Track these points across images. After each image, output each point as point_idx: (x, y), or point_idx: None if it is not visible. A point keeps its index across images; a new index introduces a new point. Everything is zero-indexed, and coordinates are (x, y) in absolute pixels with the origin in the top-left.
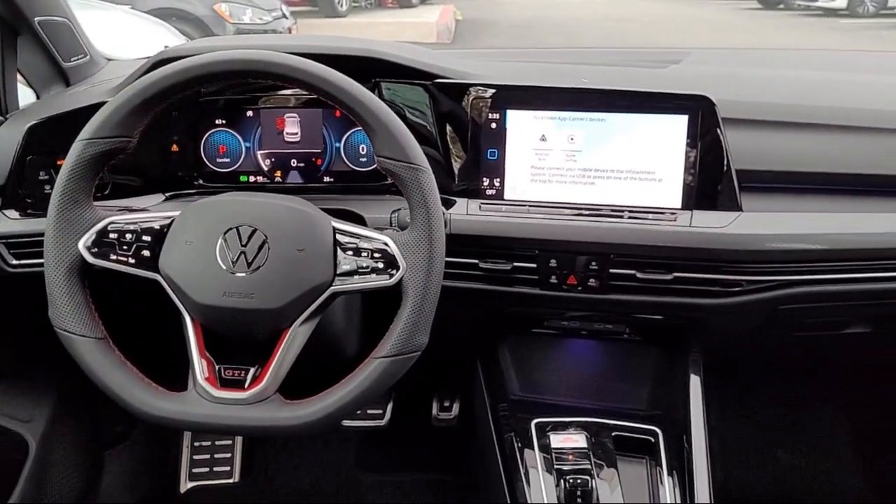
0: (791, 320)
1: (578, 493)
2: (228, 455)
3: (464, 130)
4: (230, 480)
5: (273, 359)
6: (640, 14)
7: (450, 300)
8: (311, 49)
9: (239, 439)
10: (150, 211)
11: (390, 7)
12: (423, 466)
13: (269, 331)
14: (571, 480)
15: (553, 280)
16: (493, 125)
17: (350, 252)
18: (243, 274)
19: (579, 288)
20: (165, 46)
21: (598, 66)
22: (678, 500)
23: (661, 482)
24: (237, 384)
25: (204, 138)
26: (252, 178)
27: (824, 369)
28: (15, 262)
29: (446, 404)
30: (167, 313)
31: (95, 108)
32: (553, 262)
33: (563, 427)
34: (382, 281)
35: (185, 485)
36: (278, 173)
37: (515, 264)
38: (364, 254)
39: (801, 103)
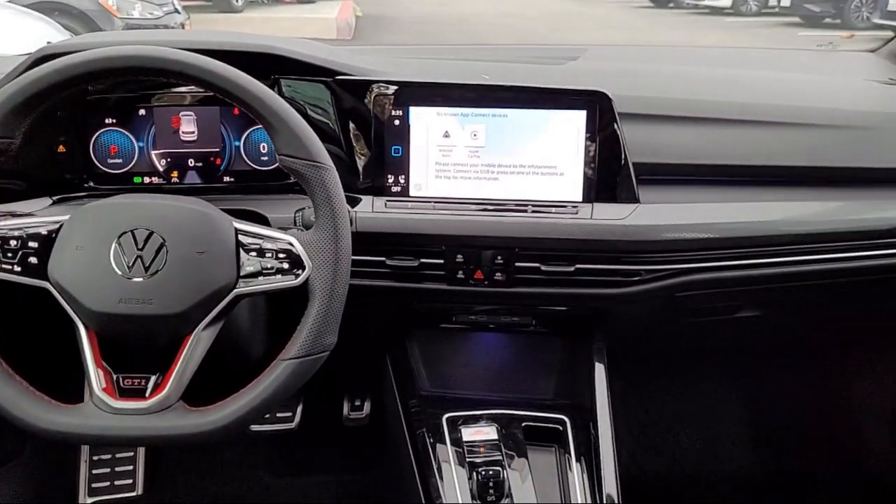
0: (687, 306)
1: (491, 484)
2: (130, 467)
3: (367, 127)
4: (133, 493)
5: (175, 365)
6: (539, 11)
7: (357, 298)
8: (206, 45)
9: (141, 450)
10: (36, 216)
11: (288, 2)
12: (335, 467)
13: (170, 337)
14: (483, 473)
15: (460, 275)
16: (397, 122)
17: (253, 253)
18: (140, 279)
19: (486, 282)
20: (48, 42)
21: (498, 63)
22: (586, 486)
23: (570, 469)
24: (137, 393)
25: (93, 138)
26: (147, 180)
27: (720, 352)
28: None
29: (357, 403)
30: (59, 322)
31: None
32: (460, 258)
33: (473, 420)
34: (288, 281)
35: (85, 500)
36: (175, 174)
37: (422, 260)
38: (268, 254)
39: (693, 98)
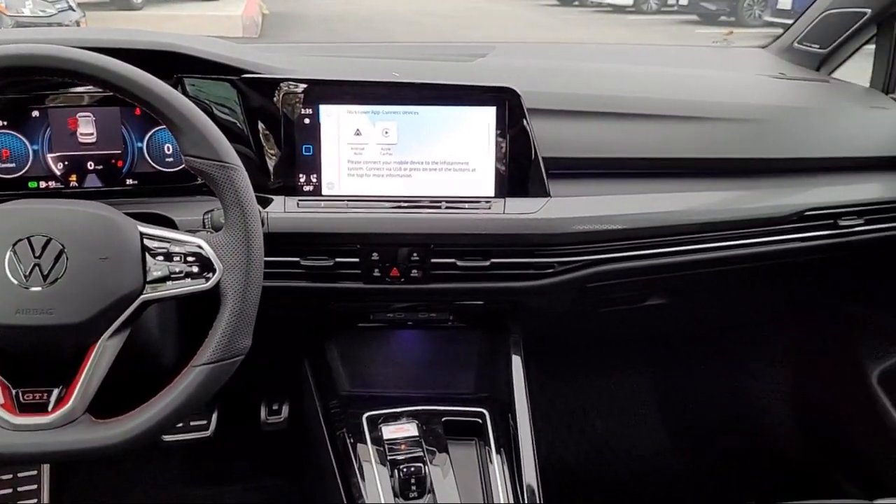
0: (598, 296)
1: (412, 481)
2: (34, 486)
3: (276, 126)
4: None
5: (79, 377)
6: (448, 9)
7: (272, 300)
8: (104, 43)
9: (46, 467)
10: None
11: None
12: (254, 474)
13: (73, 347)
14: (405, 470)
15: (376, 273)
16: (307, 120)
17: (160, 257)
18: (39, 288)
19: (402, 279)
20: None
21: (408, 61)
22: (507, 477)
23: (491, 461)
24: (39, 408)
25: None
26: (44, 184)
27: (631, 340)
28: None
29: (275, 407)
30: None
31: None
32: (375, 256)
33: (394, 418)
34: (198, 285)
35: None
36: (73, 178)
37: (337, 260)
38: (176, 258)
39: (599, 94)
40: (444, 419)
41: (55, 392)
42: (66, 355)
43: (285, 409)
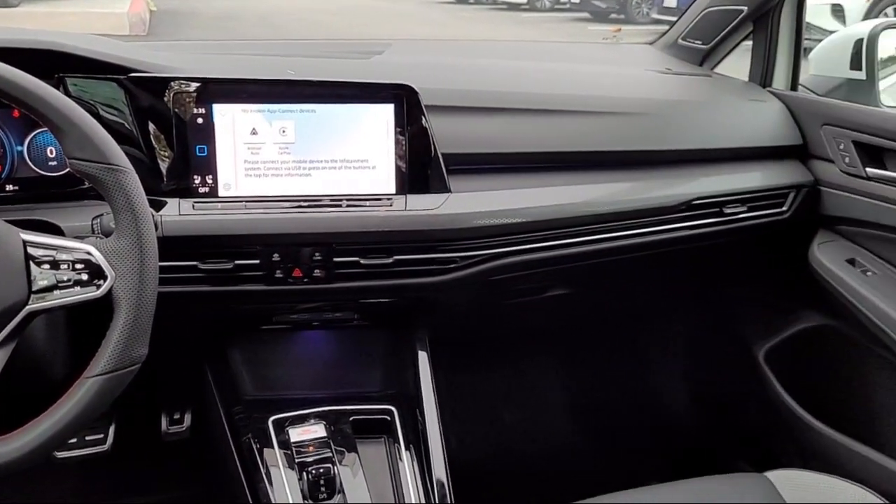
0: (502, 289)
1: (322, 482)
2: None
3: (168, 127)
4: None
5: None
6: (344, 7)
7: (169, 306)
8: None
9: None
10: None
11: None
12: (156, 487)
13: None
14: (314, 472)
15: (278, 274)
16: (200, 120)
17: (46, 266)
18: None
19: (305, 280)
20: None
21: (304, 58)
22: (416, 473)
23: (400, 458)
24: None
25: None
26: None
27: (535, 331)
28: None
29: (176, 416)
30: None
31: None
32: (276, 257)
33: (301, 420)
34: (89, 293)
35: None
36: None
37: (237, 262)
38: (64, 266)
39: (496, 90)
40: (352, 418)
41: None
42: None
43: (187, 418)
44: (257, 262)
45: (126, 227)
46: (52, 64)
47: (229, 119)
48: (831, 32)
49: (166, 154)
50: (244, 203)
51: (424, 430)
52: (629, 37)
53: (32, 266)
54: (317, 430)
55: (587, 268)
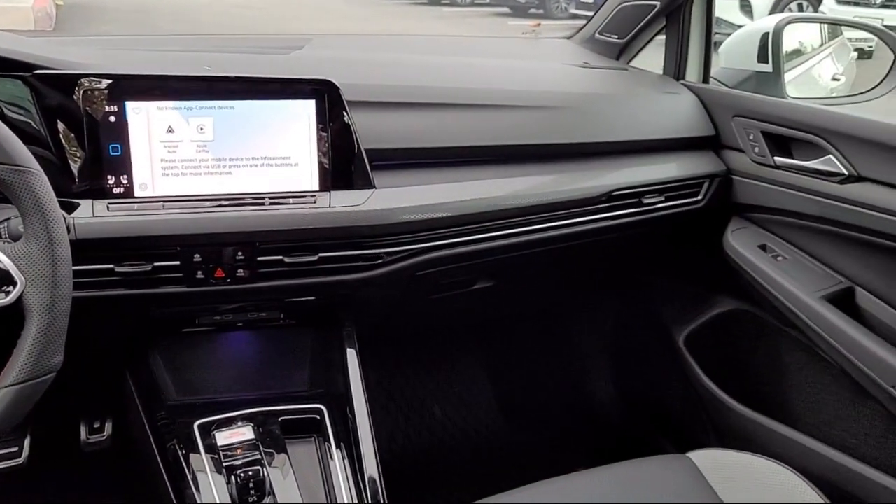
0: (428, 284)
1: (251, 485)
2: None
3: (78, 126)
4: None
5: None
6: (264, 2)
7: (85, 311)
8: None
9: None
10: None
11: None
12: (77, 500)
13: None
14: (242, 475)
15: (200, 275)
16: (112, 118)
17: None
18: None
19: (228, 280)
20: None
21: (222, 54)
22: (348, 471)
23: (331, 457)
24: None
25: None
26: None
27: (463, 324)
28: None
29: (96, 425)
30: None
31: None
32: (197, 257)
33: (227, 423)
34: None
35: None
36: None
37: (156, 264)
38: None
39: (418, 85)
40: (280, 419)
41: None
42: None
43: (108, 427)
44: (177, 263)
45: (35, 231)
46: None
47: (144, 117)
48: (740, 27)
49: (78, 154)
50: (162, 203)
51: (355, 428)
52: (548, 32)
53: None
54: (244, 433)
55: (513, 260)
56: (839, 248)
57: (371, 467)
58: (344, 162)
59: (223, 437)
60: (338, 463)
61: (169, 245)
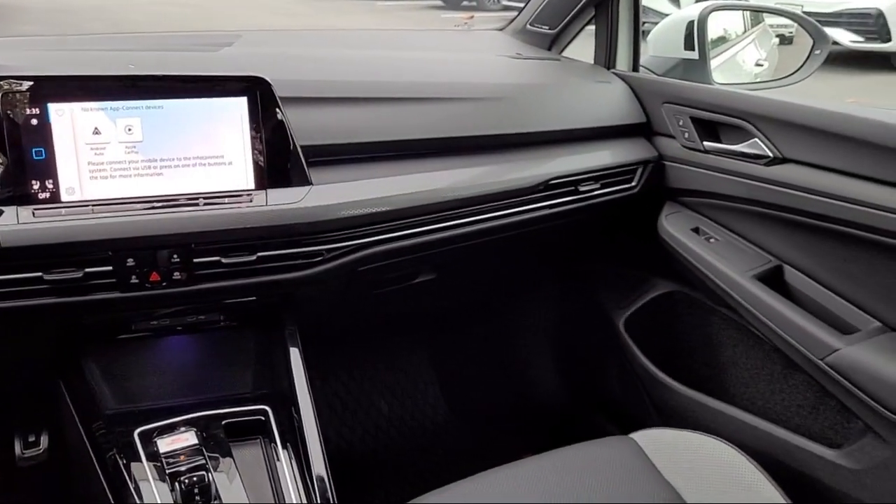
0: (370, 279)
1: (196, 491)
2: None
3: None
4: None
5: None
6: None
7: (12, 322)
8: None
9: None
10: None
11: None
12: None
13: None
14: (187, 481)
15: (134, 280)
16: (34, 121)
17: None
18: None
19: (164, 283)
20: None
21: (148, 52)
22: (296, 471)
23: (278, 458)
24: None
25: None
26: None
27: (407, 318)
28: None
29: (31, 439)
30: None
31: None
32: (131, 262)
33: (169, 429)
34: None
35: None
36: None
37: (87, 270)
38: None
39: (351, 80)
40: (224, 422)
41: None
42: None
43: (44, 440)
44: (110, 268)
45: None
46: None
47: (68, 119)
48: (667, 15)
49: None
50: (91, 207)
51: (301, 428)
52: (481, 23)
53: None
54: (187, 438)
55: (454, 252)
56: (767, 228)
57: (319, 466)
58: (279, 159)
59: (165, 444)
60: (285, 463)
61: (100, 250)
